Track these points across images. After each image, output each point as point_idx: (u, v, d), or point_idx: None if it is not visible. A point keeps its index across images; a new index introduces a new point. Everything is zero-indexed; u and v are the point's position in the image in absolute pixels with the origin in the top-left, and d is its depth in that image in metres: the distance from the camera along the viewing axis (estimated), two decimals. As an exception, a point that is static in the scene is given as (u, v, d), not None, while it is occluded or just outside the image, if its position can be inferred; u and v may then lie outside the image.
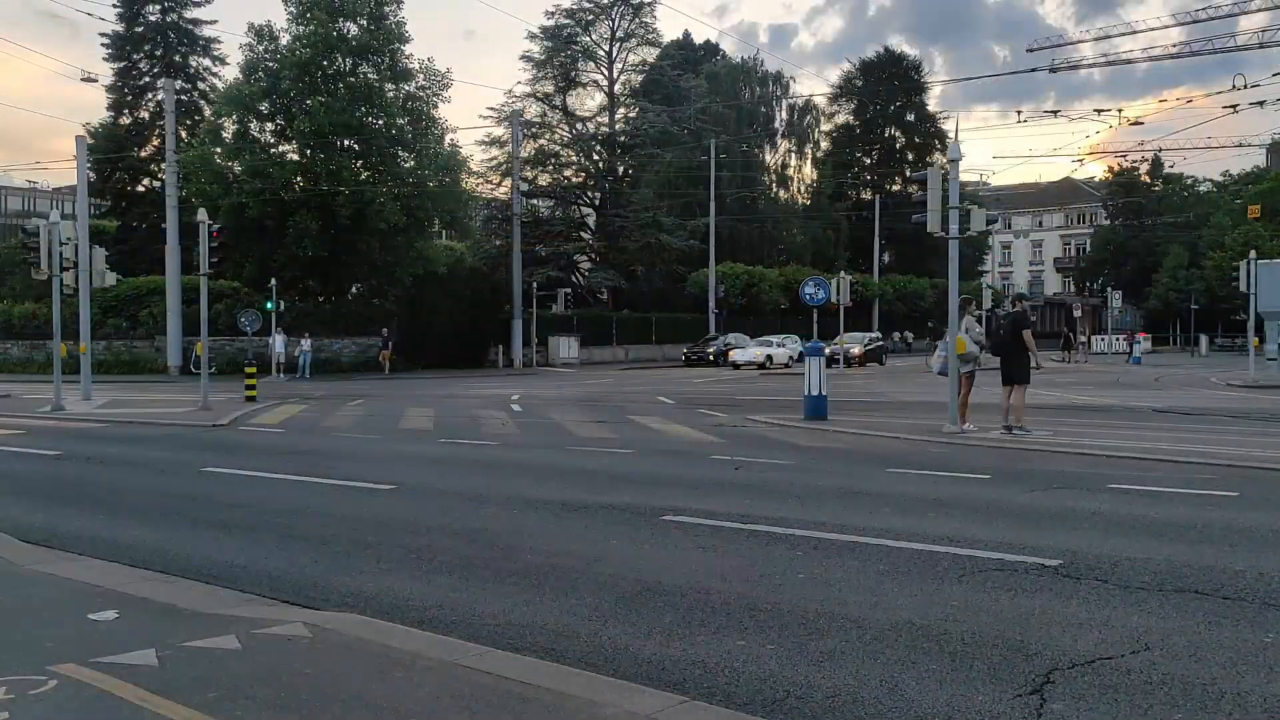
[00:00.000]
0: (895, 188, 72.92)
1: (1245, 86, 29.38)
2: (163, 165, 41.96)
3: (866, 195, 73.00)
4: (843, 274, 39.47)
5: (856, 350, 44.30)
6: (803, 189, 73.86)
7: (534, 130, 57.51)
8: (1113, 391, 25.37)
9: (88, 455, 13.59)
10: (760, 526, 7.81)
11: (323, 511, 9.04)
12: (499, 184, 56.00)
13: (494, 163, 56.38)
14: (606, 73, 61.67)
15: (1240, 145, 69.92)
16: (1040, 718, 3.98)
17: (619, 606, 5.65)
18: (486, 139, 56.95)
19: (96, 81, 45.51)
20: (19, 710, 3.84)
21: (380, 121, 39.75)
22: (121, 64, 50.21)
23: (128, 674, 4.24)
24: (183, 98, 46.28)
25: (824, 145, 75.65)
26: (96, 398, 23.31)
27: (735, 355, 44.13)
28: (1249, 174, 78.06)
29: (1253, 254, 32.38)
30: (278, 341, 35.29)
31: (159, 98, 46.43)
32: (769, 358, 43.55)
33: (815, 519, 8.08)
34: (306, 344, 36.24)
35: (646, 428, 16.62)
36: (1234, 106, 30.21)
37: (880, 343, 49.71)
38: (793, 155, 72.72)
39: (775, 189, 70.73)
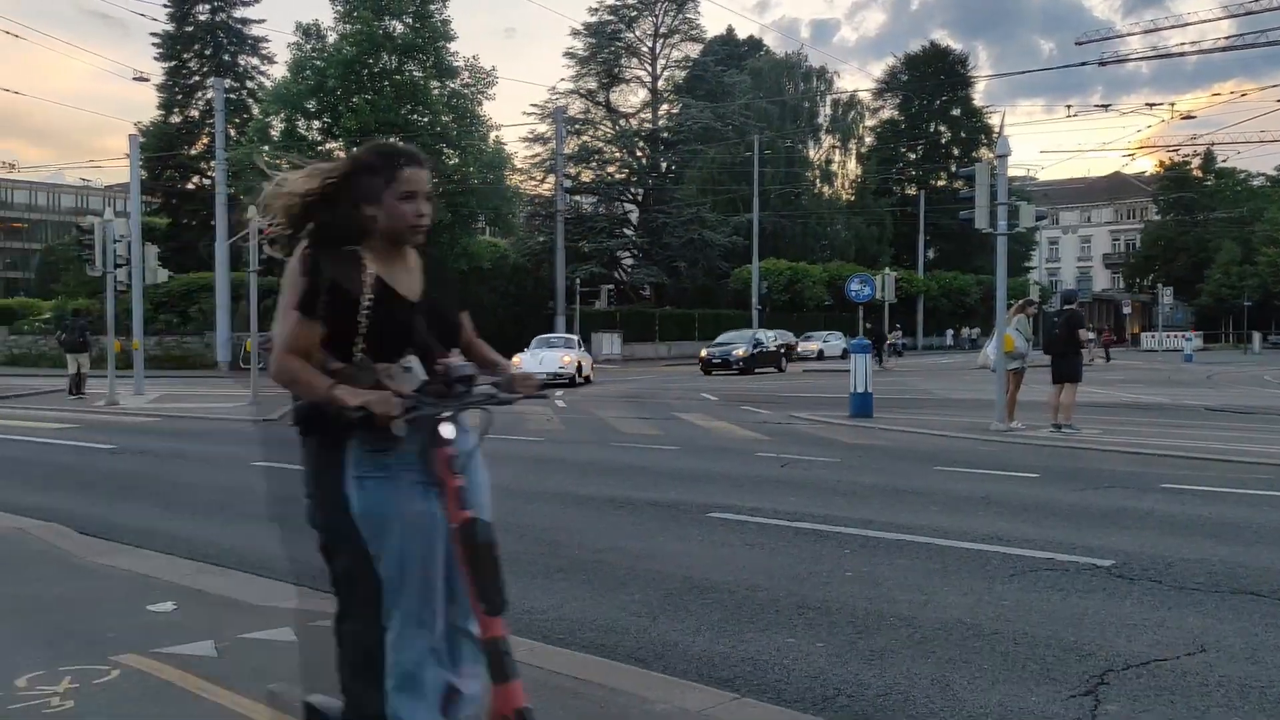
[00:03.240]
0: (940, 183, 72.22)
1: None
2: (212, 163, 42.60)
3: (911, 191, 72.37)
4: (887, 270, 39.28)
5: (740, 351, 35.62)
6: (847, 185, 73.43)
7: (577, 127, 57.66)
8: (1164, 389, 24.97)
9: (141, 449, 13.85)
10: (807, 524, 7.79)
11: (372, 506, 9.13)
12: (542, 180, 56.27)
13: (537, 159, 56.64)
14: (650, 69, 61.73)
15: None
16: (1095, 719, 3.94)
17: (667, 603, 5.67)
18: (530, 136, 57.23)
19: (148, 80, 46.33)
20: (85, 699, 3.94)
21: (425, 119, 40.11)
22: (172, 63, 51.08)
23: (188, 664, 4.32)
24: (231, 96, 46.95)
25: (868, 141, 75.12)
26: (149, 392, 23.75)
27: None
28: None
29: None
30: None
31: (208, 96, 47.23)
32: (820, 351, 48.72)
33: (863, 517, 8.05)
34: None
35: (691, 424, 16.62)
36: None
37: (773, 347, 38.72)
38: (837, 151, 72.35)
39: (819, 185, 70.38)
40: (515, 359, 24.92)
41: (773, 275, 55.88)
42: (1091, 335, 55.81)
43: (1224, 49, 39.84)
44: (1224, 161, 75.42)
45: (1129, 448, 12.70)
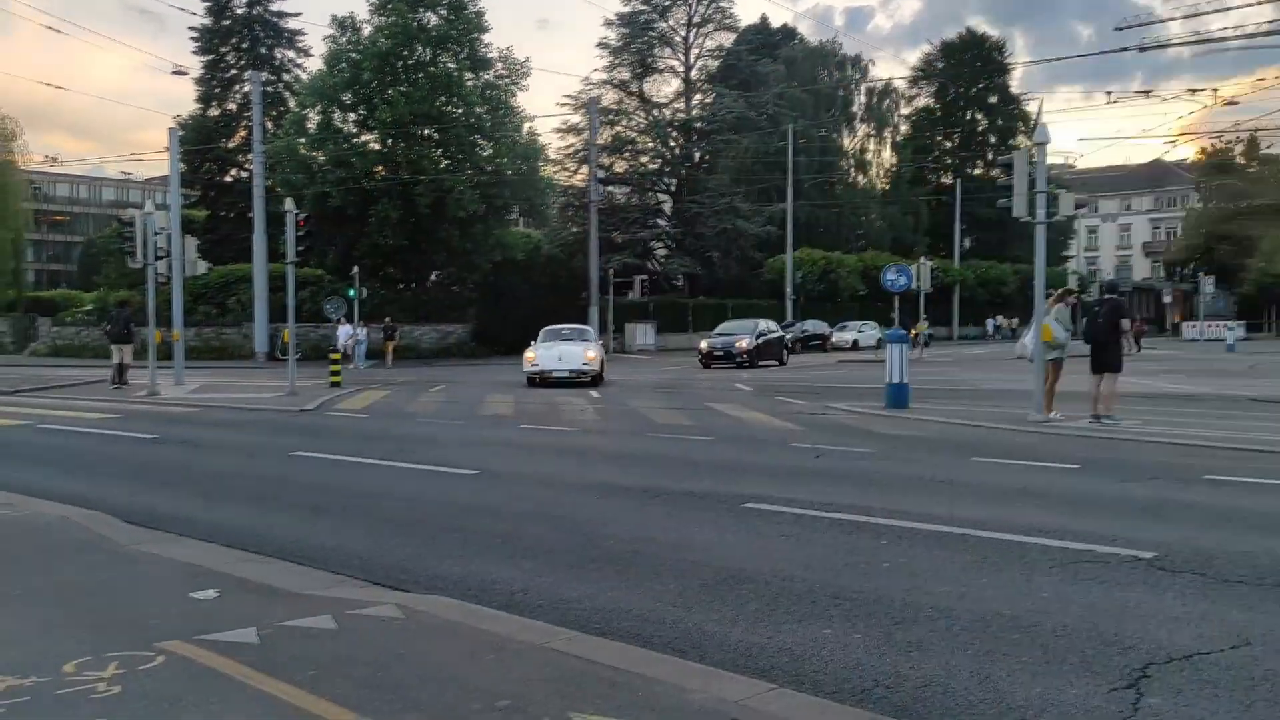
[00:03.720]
0: (976, 171, 71.50)
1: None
2: (249, 156, 42.98)
3: (947, 180, 71.68)
4: (923, 260, 38.91)
5: (744, 343, 32.25)
6: (881, 174, 72.83)
7: (610, 117, 57.58)
8: (1205, 379, 24.60)
9: (182, 439, 14.04)
10: (843, 515, 7.76)
11: (409, 496, 9.22)
12: (576, 171, 56.28)
13: (571, 150, 56.65)
14: (683, 58, 61.48)
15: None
16: (1136, 712, 3.90)
17: (703, 593, 5.67)
18: (563, 126, 57.22)
19: (187, 74, 46.68)
20: (131, 684, 4.00)
21: (459, 111, 40.20)
22: (209, 57, 51.52)
23: (231, 651, 4.38)
24: (268, 89, 47.29)
25: (903, 129, 74.46)
26: (188, 383, 24.05)
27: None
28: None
29: None
30: (342, 333, 34.86)
31: (246, 90, 47.58)
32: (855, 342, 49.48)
33: (899, 508, 8.00)
34: (362, 333, 35.77)
35: (725, 414, 16.60)
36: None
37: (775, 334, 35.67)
38: (871, 139, 71.77)
39: (853, 174, 69.86)
40: (528, 354, 23.98)
41: (807, 265, 55.61)
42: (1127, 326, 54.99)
43: (1268, 33, 39.05)
44: (1268, 148, 74.01)
45: (1170, 438, 12.54)
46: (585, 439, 13.60)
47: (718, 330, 35.52)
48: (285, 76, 51.91)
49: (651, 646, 4.68)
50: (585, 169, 52.15)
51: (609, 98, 58.36)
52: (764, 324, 35.30)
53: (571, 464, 11.33)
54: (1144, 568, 6.05)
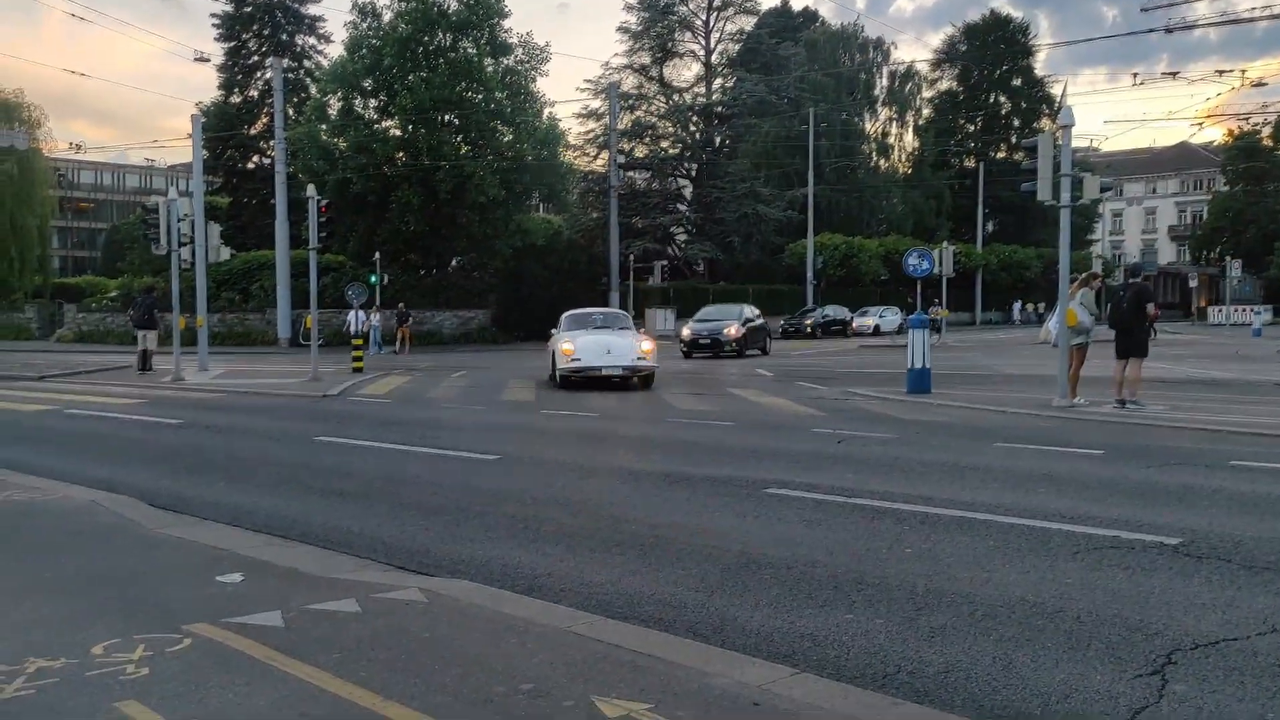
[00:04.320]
0: (1000, 155, 70.93)
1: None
2: (271, 142, 43.17)
3: (969, 163, 71.17)
4: (945, 244, 38.71)
5: (733, 330, 29.56)
6: (903, 158, 72.33)
7: (631, 102, 57.46)
8: (1232, 364, 24.38)
9: (207, 424, 14.15)
10: (865, 501, 7.75)
11: (432, 481, 9.27)
12: (596, 156, 56.23)
13: (591, 135, 56.59)
14: (704, 42, 61.25)
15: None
16: (1162, 698, 3.88)
17: (725, 578, 5.67)
18: (583, 111, 57.19)
19: (209, 61, 46.98)
20: (159, 666, 4.05)
21: (480, 96, 40.19)
22: (231, 44, 51.78)
23: (256, 634, 4.42)
24: (290, 76, 47.48)
25: (926, 112, 73.85)
26: (212, 369, 24.23)
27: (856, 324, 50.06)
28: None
29: None
30: (351, 319, 34.65)
31: (267, 76, 47.74)
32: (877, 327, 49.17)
33: (921, 493, 7.97)
34: (376, 319, 35.77)
35: (745, 400, 16.58)
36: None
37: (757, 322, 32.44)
38: (893, 123, 71.25)
39: (875, 158, 69.40)
40: (564, 346, 18.65)
41: (828, 250, 55.40)
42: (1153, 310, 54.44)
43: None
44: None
45: (1196, 424, 12.43)
46: (605, 424, 13.61)
47: (699, 316, 31.91)
48: (306, 63, 52.09)
49: (673, 631, 4.69)
50: (605, 154, 52.10)
51: (629, 82, 58.28)
52: (748, 310, 32.77)
53: (592, 449, 11.34)
54: (1170, 554, 6.01)
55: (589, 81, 56.46)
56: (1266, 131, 78.02)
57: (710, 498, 8.10)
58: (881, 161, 70.18)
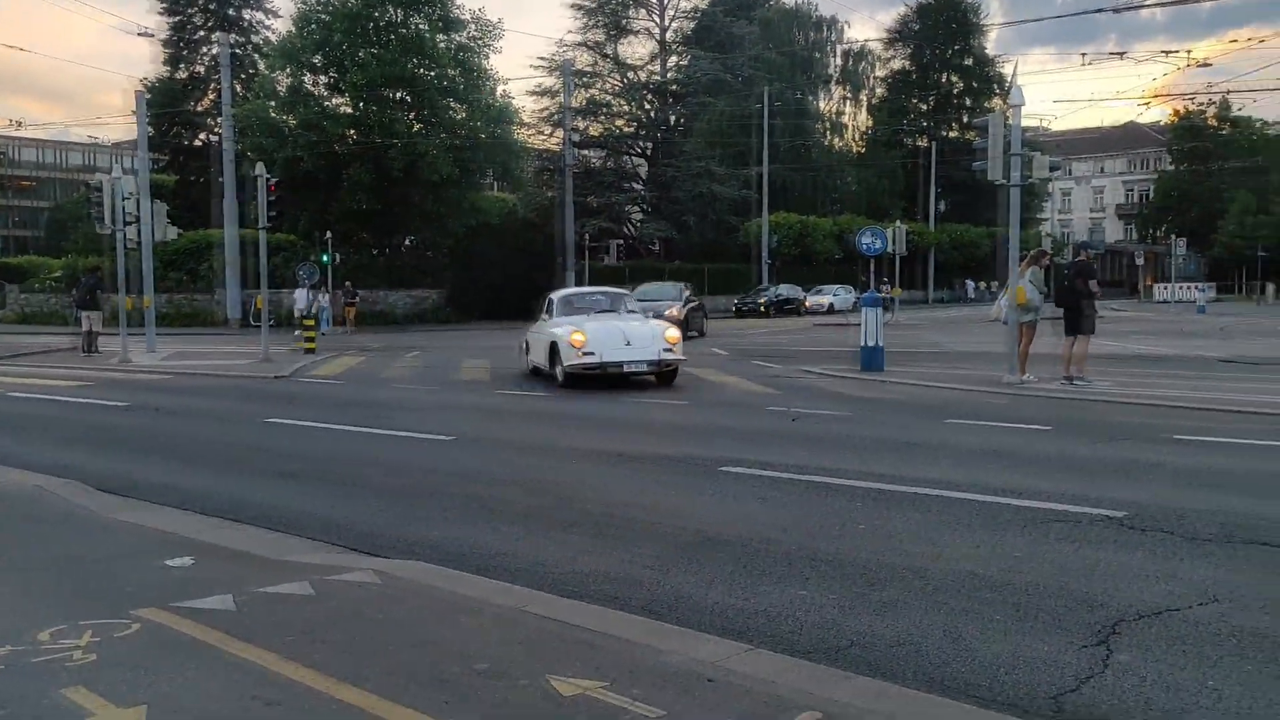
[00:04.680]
0: (952, 134, 71.49)
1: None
2: (219, 119, 42.40)
3: (922, 142, 71.67)
4: (898, 223, 39.02)
5: (674, 311, 26.30)
6: (857, 137, 72.74)
7: (585, 80, 57.16)
8: (1176, 341, 24.87)
9: (156, 406, 13.93)
10: (819, 478, 7.81)
11: (386, 462, 9.21)
12: (550, 135, 55.91)
13: (545, 113, 56.26)
14: (658, 20, 61.08)
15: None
16: (1106, 668, 3.96)
17: (680, 556, 5.70)
18: (537, 89, 56.81)
19: (153, 36, 45.88)
20: (106, 651, 3.99)
21: (432, 73, 39.73)
22: (176, 18, 50.79)
23: (207, 618, 4.37)
24: (237, 52, 46.62)
25: (879, 91, 74.31)
26: (160, 350, 23.82)
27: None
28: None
29: None
30: (299, 297, 33.48)
31: (214, 52, 46.86)
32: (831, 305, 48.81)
33: (874, 470, 8.06)
34: (326, 299, 34.93)
35: (701, 379, 16.63)
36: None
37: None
38: (847, 102, 71.69)
39: (829, 137, 69.72)
40: (574, 337, 14.61)
41: (782, 229, 55.59)
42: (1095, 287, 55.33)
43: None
44: (1240, 110, 74.46)
45: (1141, 399, 12.67)
46: (561, 404, 13.59)
47: (637, 295, 27.18)
48: (254, 38, 51.16)
49: (629, 609, 4.70)
50: (559, 132, 51.82)
51: (583, 60, 57.96)
52: (686, 289, 31.22)
53: (547, 428, 11.33)
54: (1115, 527, 6.13)
55: (543, 59, 56.16)
56: (1211, 112, 79.40)
57: (666, 476, 8.13)
58: (835, 140, 70.56)
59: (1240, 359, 18.88)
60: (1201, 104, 76.53)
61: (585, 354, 14.50)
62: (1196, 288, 57.59)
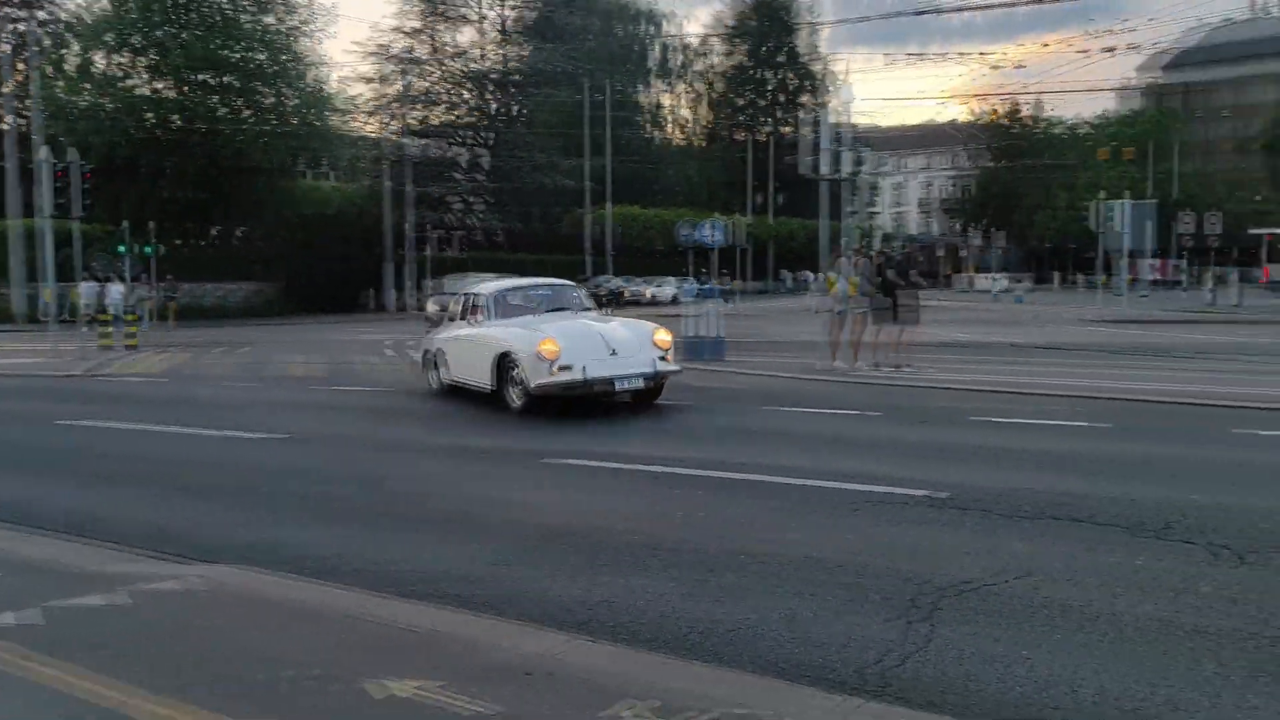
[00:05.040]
0: (786, 129, 73.36)
1: (1107, 32, 30.27)
2: (27, 103, 39.63)
3: (753, 136, 73.31)
4: (735, 216, 39.79)
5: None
6: (691, 130, 73.82)
7: (422, 68, 56.05)
8: (996, 329, 26.23)
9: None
10: (660, 468, 7.89)
11: (213, 463, 8.82)
12: (388, 123, 54.61)
13: (383, 101, 54.86)
14: (499, 9, 60.39)
15: (1107, 90, 72.37)
16: (930, 642, 4.14)
17: (524, 551, 5.66)
18: (374, 76, 55.29)
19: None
20: (-106, 678, 3.67)
21: (261, 57, 38.20)
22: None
23: (13, 635, 4.09)
24: (43, 30, 43.61)
25: (711, 86, 75.60)
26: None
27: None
28: (1125, 116, 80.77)
29: (1102, 194, 33.47)
30: (86, 290, 31.06)
31: (21, 29, 43.75)
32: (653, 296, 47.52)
33: (714, 458, 8.18)
34: (117, 291, 31.46)
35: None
36: (1085, 51, 31.27)
37: None
38: (680, 96, 72.68)
39: (664, 130, 70.57)
40: (544, 346, 10.75)
41: (619, 220, 55.92)
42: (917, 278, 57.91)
43: (1032, 1, 41.57)
44: (1052, 110, 79.16)
45: (964, 385, 13.30)
46: (396, 399, 13.32)
47: (451, 288, 25.42)
48: (63, 15, 48.02)
49: (471, 608, 4.64)
50: (396, 122, 50.70)
51: (422, 48, 56.76)
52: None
53: (383, 425, 11.09)
54: (940, 506, 6.41)
55: (380, 46, 54.54)
56: (1027, 110, 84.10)
57: (507, 470, 8.07)
58: (668, 133, 71.37)
59: (1055, 345, 20.08)
60: (1017, 103, 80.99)
61: (562, 368, 10.76)
62: (1015, 278, 60.87)
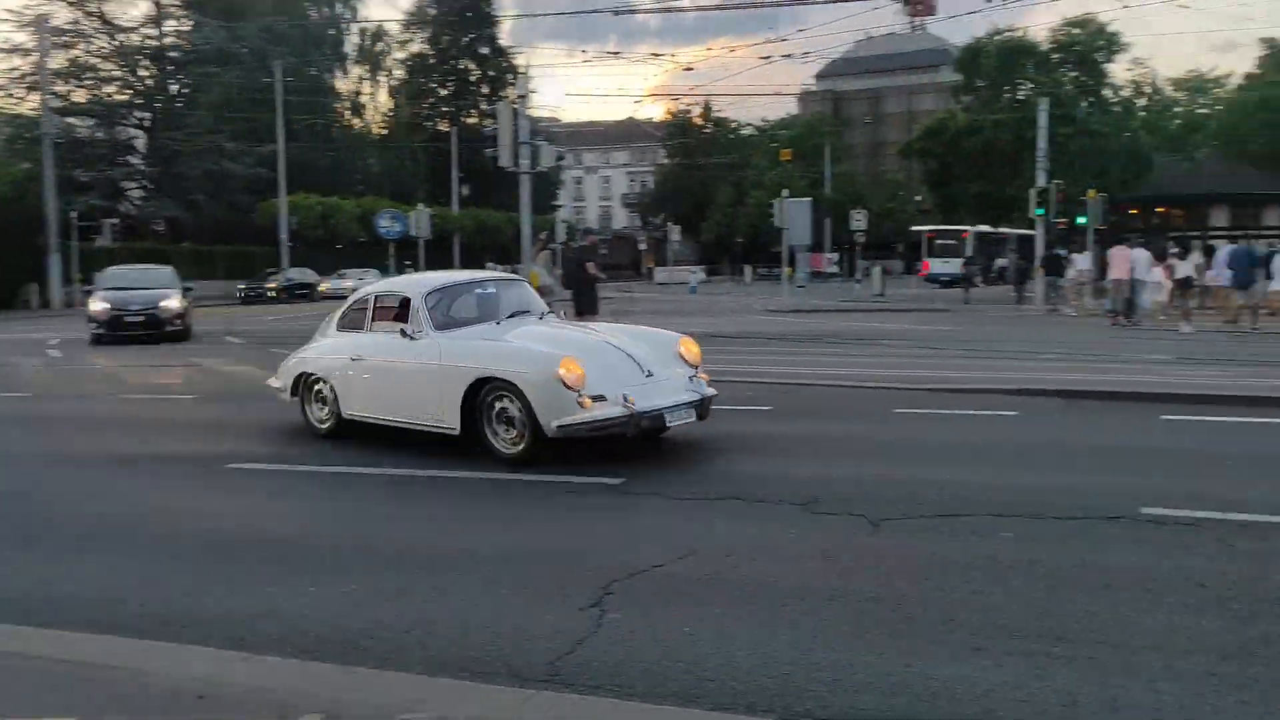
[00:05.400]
0: (472, 120, 73.00)
1: (783, 39, 32.56)
2: None
3: (444, 127, 72.46)
4: (421, 207, 39.18)
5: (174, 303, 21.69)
6: (379, 118, 71.87)
7: (66, 39, 50.87)
8: (673, 319, 27.46)
9: None
10: (339, 469, 7.64)
11: None
12: (24, 99, 49.14)
13: (16, 74, 49.32)
14: (153, -23, 55.84)
15: (777, 94, 77.91)
16: (600, 627, 4.26)
17: (179, 564, 5.30)
18: (5, 45, 49.59)
19: None
20: None
21: None
22: None
23: None
24: None
25: (399, 74, 74.00)
26: None
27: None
28: (782, 120, 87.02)
29: (785, 192, 36.13)
30: None
31: None
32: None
33: (398, 458, 8.00)
34: None
35: (211, 370, 15.56)
36: (767, 58, 33.60)
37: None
38: (366, 82, 70.61)
39: (349, 117, 68.23)
40: (565, 370, 7.34)
41: (303, 210, 53.45)
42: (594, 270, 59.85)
43: (720, 7, 44.15)
44: (720, 112, 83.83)
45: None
46: (43, 405, 12.07)
47: (112, 282, 22.52)
48: None
49: (116, 631, 4.26)
50: (36, 96, 45.70)
51: (63, 16, 51.46)
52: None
53: (34, 434, 10.00)
54: (613, 493, 6.63)
55: (11, 11, 48.99)
56: (697, 111, 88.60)
57: (168, 479, 7.54)
58: (356, 121, 69.25)
59: (723, 334, 21.29)
60: (689, 104, 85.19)
61: (595, 399, 7.52)
62: (689, 270, 64.04)
